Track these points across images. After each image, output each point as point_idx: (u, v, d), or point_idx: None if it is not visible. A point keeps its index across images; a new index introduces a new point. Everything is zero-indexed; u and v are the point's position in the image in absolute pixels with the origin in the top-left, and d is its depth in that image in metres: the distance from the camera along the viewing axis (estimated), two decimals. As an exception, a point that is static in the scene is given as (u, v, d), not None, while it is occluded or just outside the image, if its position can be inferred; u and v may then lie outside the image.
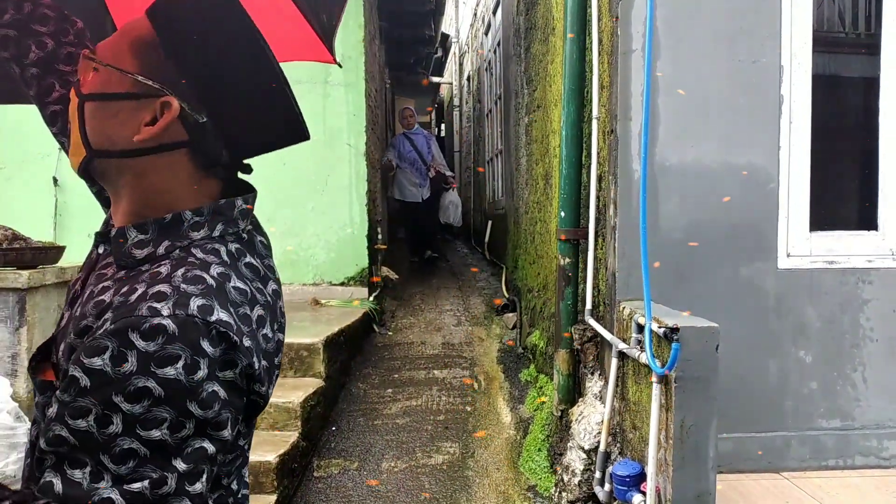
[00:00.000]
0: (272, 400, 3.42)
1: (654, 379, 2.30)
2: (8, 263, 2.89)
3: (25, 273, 2.85)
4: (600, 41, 3.00)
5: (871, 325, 2.88)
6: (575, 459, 2.95)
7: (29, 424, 2.65)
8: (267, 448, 3.16)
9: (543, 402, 3.63)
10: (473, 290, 6.44)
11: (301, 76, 5.20)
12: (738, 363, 2.81)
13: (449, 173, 8.08)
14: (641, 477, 2.47)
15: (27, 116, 5.19)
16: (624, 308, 2.72)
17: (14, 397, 2.70)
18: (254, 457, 3.06)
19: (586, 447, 2.90)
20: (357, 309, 4.98)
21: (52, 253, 3.07)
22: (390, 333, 5.14)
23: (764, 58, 2.80)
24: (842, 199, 3.07)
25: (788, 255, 2.84)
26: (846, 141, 3.09)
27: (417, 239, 8.13)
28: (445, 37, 10.11)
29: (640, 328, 2.48)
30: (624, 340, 2.66)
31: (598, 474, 2.78)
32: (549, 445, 3.32)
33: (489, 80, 8.03)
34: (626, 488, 2.50)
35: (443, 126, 14.29)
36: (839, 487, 2.69)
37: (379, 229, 5.71)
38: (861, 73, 3.15)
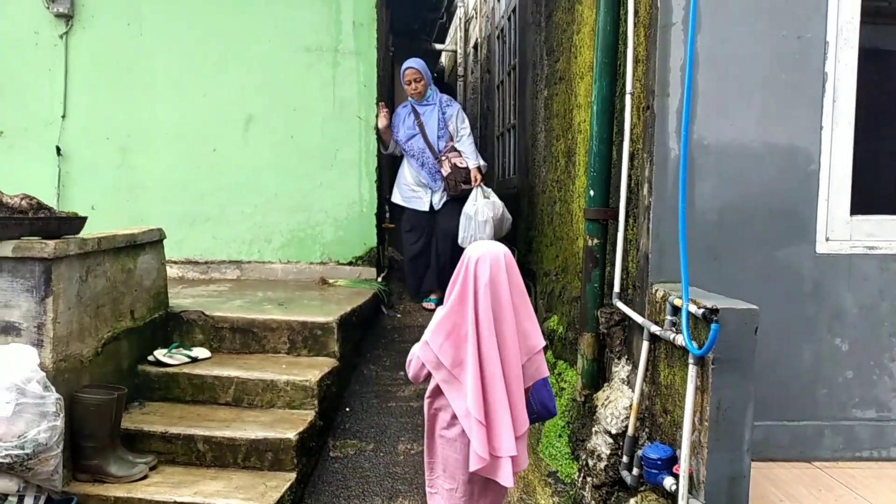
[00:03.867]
0: (289, 378, 3.34)
1: (690, 360, 2.24)
2: (34, 232, 2.82)
3: (51, 243, 2.78)
4: (636, 13, 2.87)
5: (911, 313, 2.79)
6: (601, 444, 2.88)
7: (56, 394, 2.60)
8: (286, 426, 3.10)
9: (563, 388, 3.55)
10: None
11: (310, 43, 5.01)
12: (771, 349, 2.72)
13: (472, 164, 5.17)
14: (672, 460, 2.42)
15: (31, 83, 5.02)
16: (657, 290, 2.64)
17: (41, 367, 2.64)
18: (273, 434, 3.01)
19: (613, 432, 2.83)
20: (366, 289, 4.87)
21: (76, 223, 3.01)
22: (399, 316, 5.05)
23: (808, 33, 2.68)
24: (885, 181, 2.97)
25: (827, 240, 2.74)
26: (892, 120, 2.98)
27: (422, 268, 5.35)
28: (451, 1, 9.71)
29: (675, 310, 2.42)
30: (656, 323, 2.58)
31: (625, 459, 2.72)
32: (570, 431, 3.26)
33: (501, 48, 7.51)
34: (657, 471, 2.45)
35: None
36: (873, 478, 2.63)
37: (386, 207, 5.58)
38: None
